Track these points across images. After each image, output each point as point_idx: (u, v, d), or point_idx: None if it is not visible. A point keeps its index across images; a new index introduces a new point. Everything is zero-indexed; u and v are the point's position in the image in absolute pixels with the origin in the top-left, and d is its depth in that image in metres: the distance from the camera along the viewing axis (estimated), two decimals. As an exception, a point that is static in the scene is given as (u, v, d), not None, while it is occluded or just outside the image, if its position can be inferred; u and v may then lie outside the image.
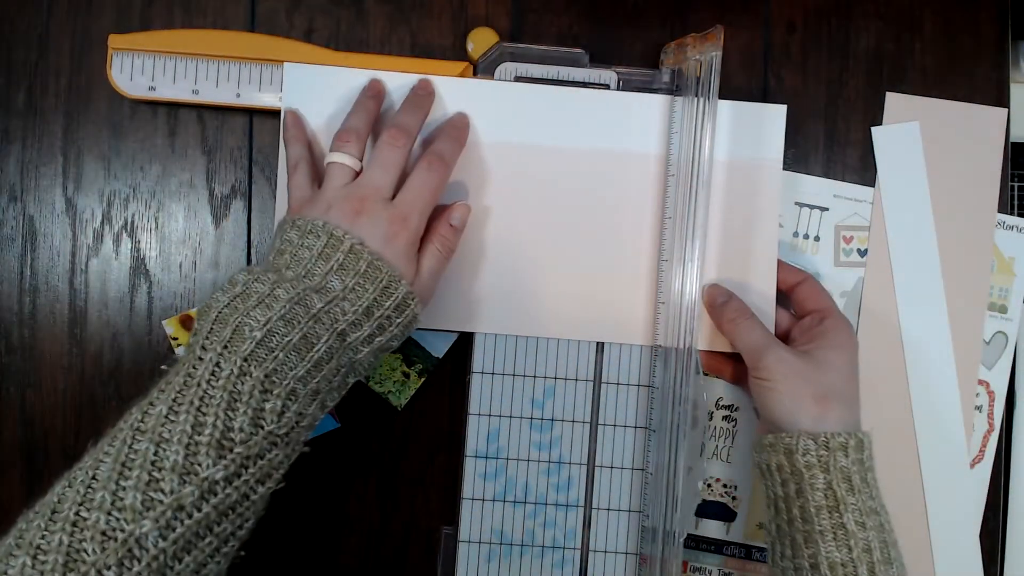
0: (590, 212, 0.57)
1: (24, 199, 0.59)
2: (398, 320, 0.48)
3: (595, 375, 0.57)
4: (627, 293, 0.56)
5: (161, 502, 0.38)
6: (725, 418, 0.59)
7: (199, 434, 0.40)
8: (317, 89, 0.56)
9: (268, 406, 0.41)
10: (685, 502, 0.55)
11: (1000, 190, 0.60)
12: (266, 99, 0.56)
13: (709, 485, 0.59)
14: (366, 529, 0.59)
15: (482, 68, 0.57)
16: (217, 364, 0.41)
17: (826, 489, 0.48)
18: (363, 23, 0.59)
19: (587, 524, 0.57)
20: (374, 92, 0.55)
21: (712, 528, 0.59)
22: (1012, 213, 0.61)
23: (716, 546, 0.59)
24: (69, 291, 0.59)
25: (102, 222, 0.59)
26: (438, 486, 0.59)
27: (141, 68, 0.56)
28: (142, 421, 0.40)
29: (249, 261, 0.59)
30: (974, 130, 0.60)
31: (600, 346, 0.57)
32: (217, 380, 0.41)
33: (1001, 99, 0.61)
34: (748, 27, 0.61)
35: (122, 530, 0.37)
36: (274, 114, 0.57)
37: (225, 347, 0.42)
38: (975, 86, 0.61)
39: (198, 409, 0.40)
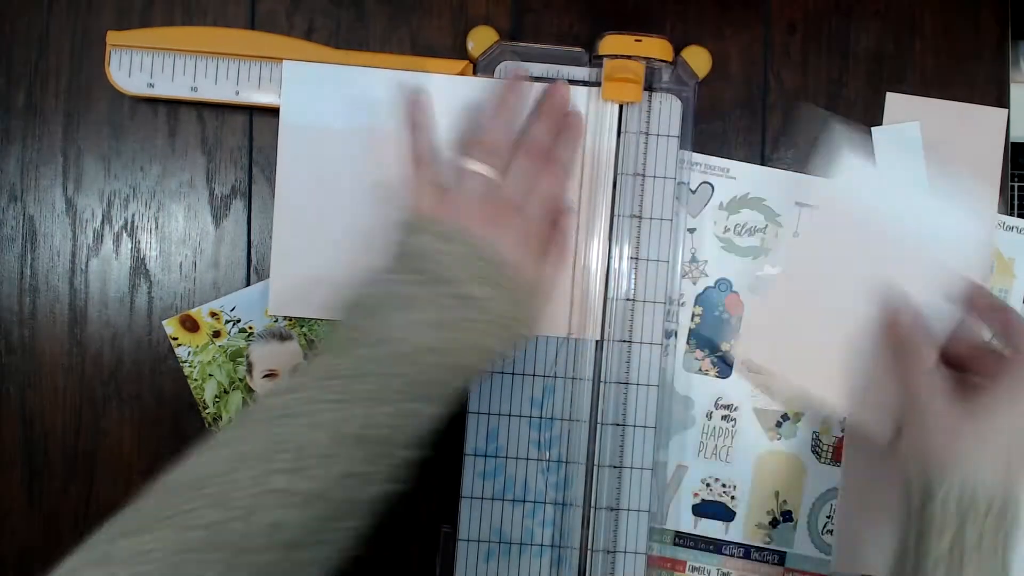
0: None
1: (24, 199, 0.59)
2: (523, 333, 0.49)
3: (594, 374, 0.57)
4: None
5: (305, 490, 0.39)
6: (724, 418, 0.59)
7: (346, 425, 0.40)
8: (317, 88, 0.56)
9: (410, 408, 0.43)
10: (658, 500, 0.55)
11: (1000, 191, 0.60)
12: (265, 97, 0.56)
13: (708, 485, 0.59)
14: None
15: (482, 67, 0.57)
16: (371, 362, 0.42)
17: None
18: (363, 23, 0.59)
19: (586, 523, 0.57)
20: (518, 92, 0.54)
21: (711, 528, 0.59)
22: (1012, 214, 0.60)
23: (715, 546, 0.59)
24: (69, 291, 0.59)
25: (102, 222, 0.59)
26: (436, 485, 0.59)
27: (140, 65, 0.56)
28: (288, 403, 0.41)
29: (249, 261, 0.59)
30: (974, 130, 0.60)
31: (599, 344, 0.57)
32: (366, 378, 0.42)
33: (1001, 99, 0.61)
34: (748, 27, 0.60)
35: (268, 510, 0.38)
36: (274, 112, 0.57)
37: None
38: (975, 86, 0.61)
39: (346, 401, 0.41)
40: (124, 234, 0.59)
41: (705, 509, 0.59)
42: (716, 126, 0.60)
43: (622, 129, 0.57)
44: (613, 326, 0.57)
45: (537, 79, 0.56)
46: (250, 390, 0.58)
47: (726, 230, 0.59)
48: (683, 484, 0.59)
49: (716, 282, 0.59)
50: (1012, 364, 0.49)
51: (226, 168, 0.59)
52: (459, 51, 0.59)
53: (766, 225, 0.59)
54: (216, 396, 0.58)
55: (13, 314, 0.59)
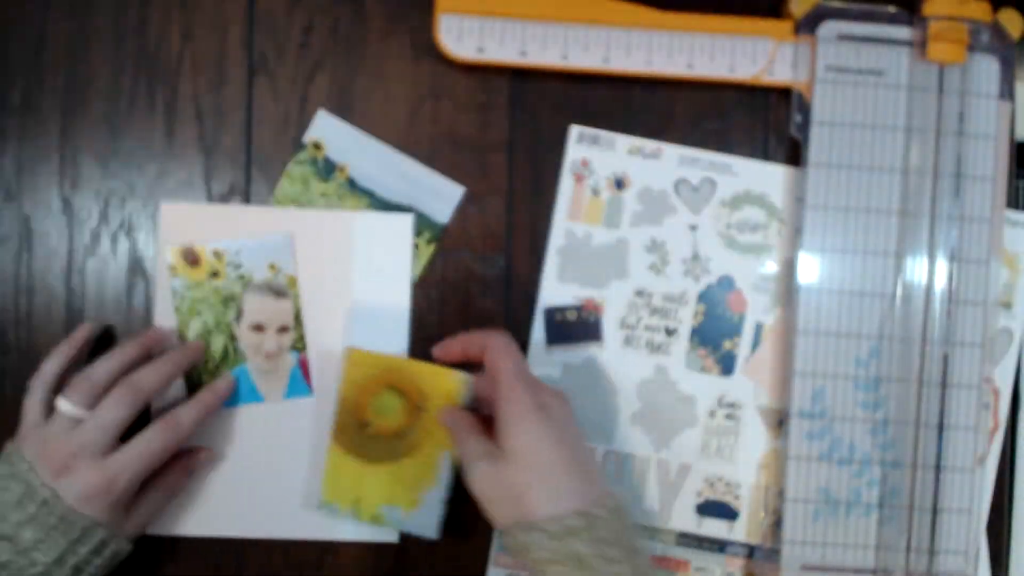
0: None
1: (20, 199, 0.58)
2: (97, 561, 0.50)
3: (922, 334, 0.56)
4: None
5: None
6: (728, 416, 0.59)
7: None
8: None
9: None
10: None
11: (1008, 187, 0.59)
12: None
13: (712, 484, 0.58)
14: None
15: (803, 26, 0.57)
16: None
17: None
18: (362, 20, 0.59)
19: (912, 483, 0.57)
20: (144, 341, 0.55)
21: (714, 527, 0.58)
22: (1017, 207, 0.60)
23: (719, 546, 0.59)
24: (66, 292, 0.58)
25: (99, 222, 0.58)
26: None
27: (470, 30, 0.57)
28: None
29: (247, 261, 0.59)
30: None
31: (927, 304, 0.57)
32: None
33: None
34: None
35: None
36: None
37: None
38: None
39: None
40: (121, 234, 0.58)
41: (708, 509, 0.59)
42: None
43: (944, 89, 0.57)
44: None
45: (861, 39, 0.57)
46: (233, 337, 0.58)
47: (728, 227, 0.59)
48: (686, 483, 0.58)
49: (718, 280, 0.59)
50: (498, 385, 0.50)
51: (224, 168, 0.59)
52: (773, 11, 0.58)
53: (769, 222, 0.59)
54: (200, 335, 0.57)
55: (9, 315, 0.58)
